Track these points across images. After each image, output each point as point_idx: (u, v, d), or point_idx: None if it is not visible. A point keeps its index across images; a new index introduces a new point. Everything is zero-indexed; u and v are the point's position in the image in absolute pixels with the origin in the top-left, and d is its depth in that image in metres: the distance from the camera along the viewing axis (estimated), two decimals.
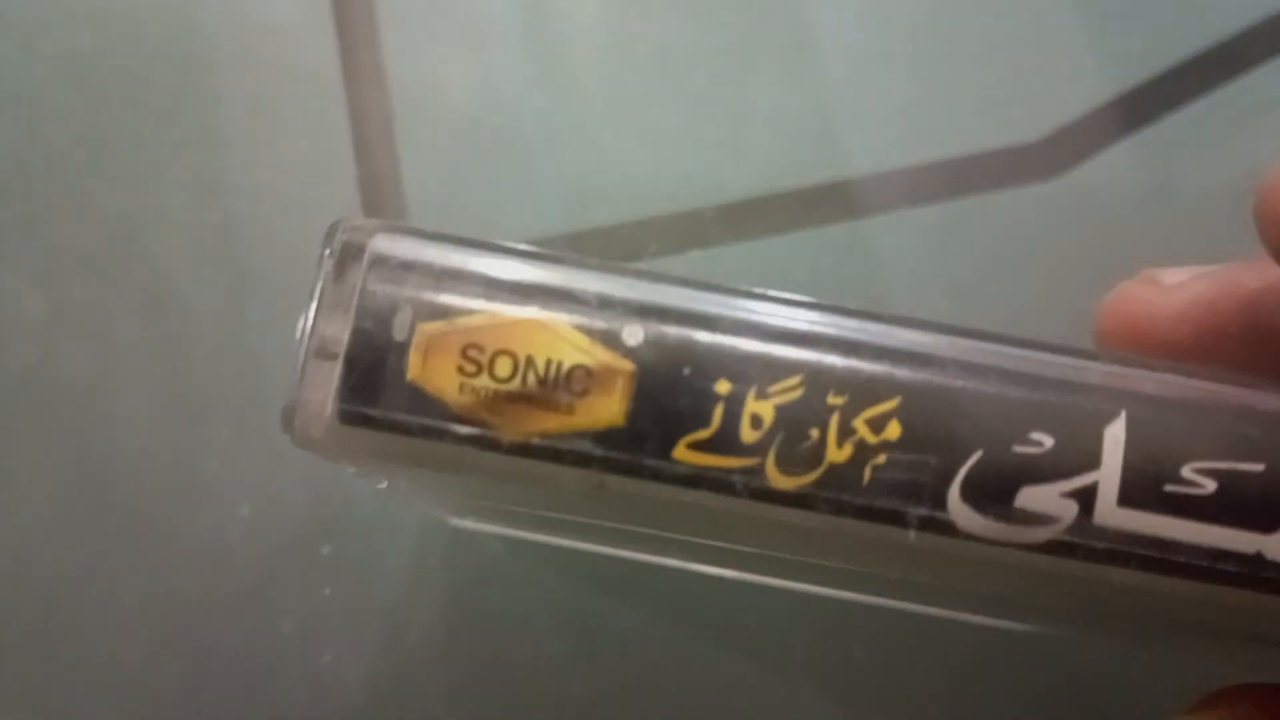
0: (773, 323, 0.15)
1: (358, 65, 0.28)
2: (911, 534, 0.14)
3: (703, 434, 0.14)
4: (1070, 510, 0.14)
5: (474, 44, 0.29)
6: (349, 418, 0.14)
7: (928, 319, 0.15)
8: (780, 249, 0.27)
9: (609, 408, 0.14)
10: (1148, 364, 0.15)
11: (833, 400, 0.14)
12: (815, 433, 0.14)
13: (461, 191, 0.28)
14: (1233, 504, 0.14)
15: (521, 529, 0.24)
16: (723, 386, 0.14)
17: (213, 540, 0.26)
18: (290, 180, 0.28)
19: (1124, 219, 0.28)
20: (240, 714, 0.25)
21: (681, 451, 0.14)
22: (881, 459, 0.14)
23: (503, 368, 0.14)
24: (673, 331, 0.14)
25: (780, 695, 0.26)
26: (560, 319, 0.14)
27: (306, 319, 0.14)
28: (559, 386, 0.14)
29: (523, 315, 0.14)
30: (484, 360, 0.14)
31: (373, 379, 0.14)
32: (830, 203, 0.28)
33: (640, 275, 0.15)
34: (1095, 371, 0.15)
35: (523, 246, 0.15)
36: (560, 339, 0.14)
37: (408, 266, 0.15)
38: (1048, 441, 0.14)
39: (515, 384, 0.14)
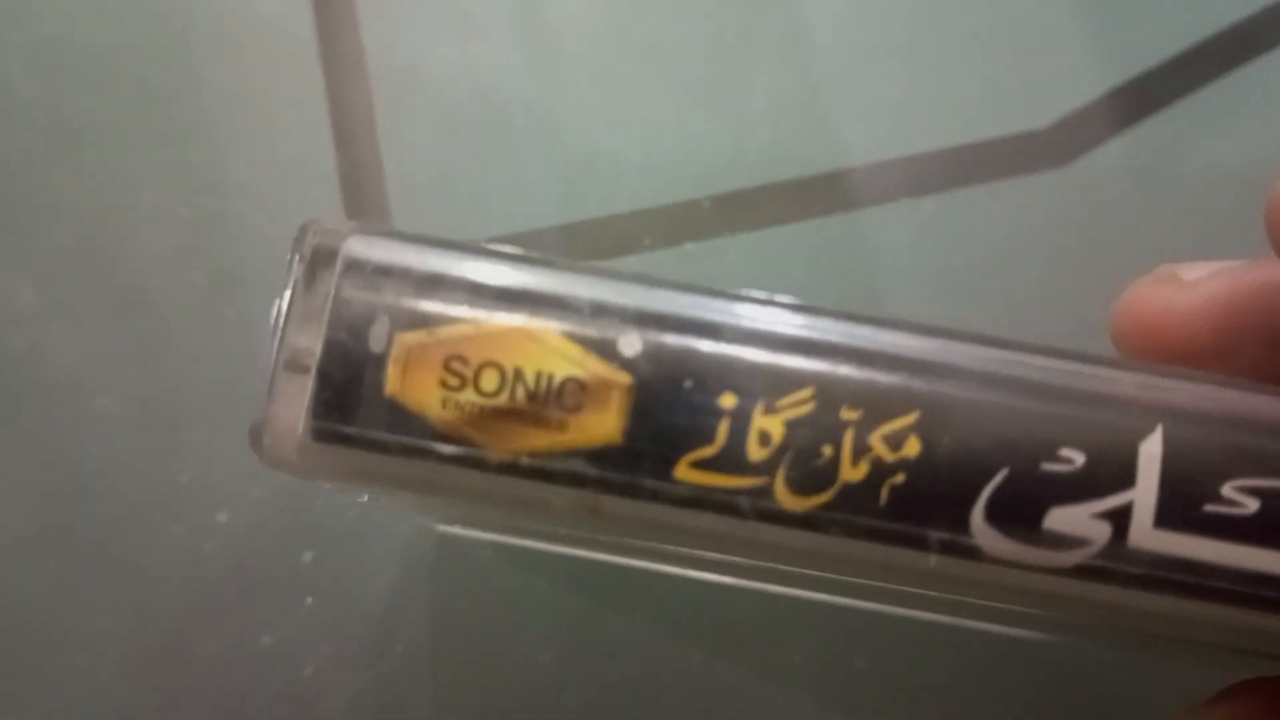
0: (781, 331, 0.14)
1: (338, 54, 0.28)
2: (932, 559, 0.13)
3: (706, 452, 0.13)
4: (1103, 532, 0.13)
5: (459, 31, 0.28)
6: (323, 435, 0.13)
7: (948, 326, 0.14)
8: (778, 241, 0.27)
9: (604, 424, 0.13)
10: (1184, 375, 0.14)
11: (847, 415, 0.13)
12: (828, 450, 0.13)
13: (447, 184, 0.27)
14: (1277, 524, 0.13)
15: (512, 536, 0.24)
16: (727, 400, 0.14)
17: (189, 549, 0.25)
18: (268, 174, 0.27)
19: (1135, 207, 0.27)
20: None
21: (683, 471, 0.13)
22: (900, 478, 0.13)
23: (489, 381, 0.13)
24: (673, 341, 0.14)
25: (780, 705, 0.25)
26: (551, 328, 0.14)
27: (276, 329, 0.13)
28: (550, 401, 0.13)
29: (510, 324, 0.14)
30: (468, 373, 0.13)
31: (348, 394, 0.13)
32: (829, 194, 0.27)
33: (637, 280, 0.14)
34: (1128, 383, 0.14)
35: (509, 250, 0.14)
36: (551, 350, 0.13)
37: (385, 272, 0.14)
38: (1078, 459, 0.13)
39: (503, 399, 0.13)
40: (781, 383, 0.14)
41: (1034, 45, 0.28)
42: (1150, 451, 0.13)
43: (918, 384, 0.14)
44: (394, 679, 0.25)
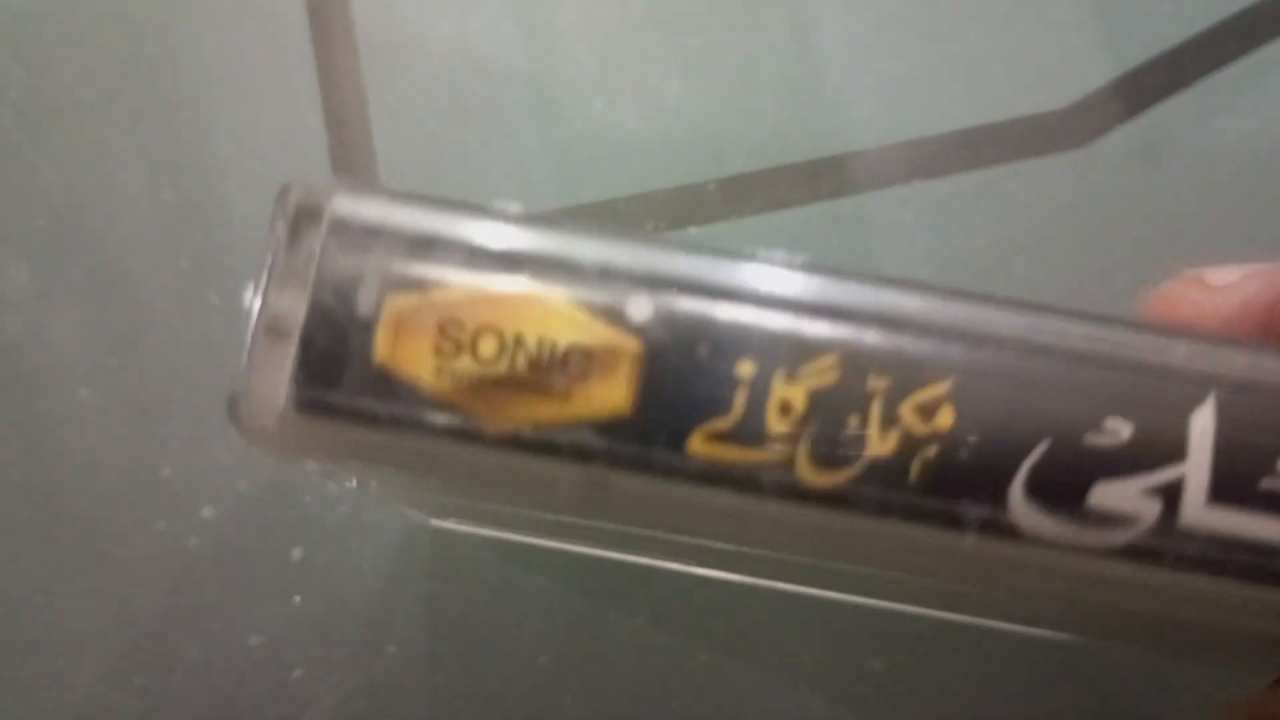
0: (803, 294, 0.13)
1: (328, 26, 0.27)
2: (968, 539, 0.12)
3: (722, 423, 0.13)
4: (1152, 509, 0.13)
5: (454, 1, 0.28)
6: (306, 406, 0.13)
7: (983, 291, 0.13)
8: (786, 224, 0.26)
9: (612, 394, 0.13)
10: (1237, 342, 0.13)
11: (874, 383, 0.13)
12: (854, 421, 0.13)
13: (440, 164, 0.27)
14: None
15: (509, 531, 0.23)
16: (745, 368, 0.13)
17: (172, 546, 0.25)
18: (253, 153, 0.27)
19: (1153, 188, 0.27)
20: None
21: (697, 444, 0.13)
22: (932, 451, 0.13)
23: (487, 348, 0.13)
24: (685, 305, 0.13)
25: (790, 709, 0.25)
26: (554, 292, 0.13)
27: (256, 292, 0.12)
28: (553, 369, 0.13)
29: (510, 288, 0.13)
30: (465, 339, 0.12)
31: (333, 361, 0.12)
32: (839, 175, 0.27)
33: (647, 241, 0.13)
34: (1178, 351, 0.13)
35: (509, 207, 0.13)
36: (554, 314, 0.13)
37: (374, 232, 0.13)
38: (1125, 431, 0.13)
39: (502, 367, 0.13)
40: (803, 349, 0.13)
41: (1052, 24, 0.28)
42: (1202, 423, 0.13)
43: (951, 350, 0.13)
44: (386, 681, 0.25)
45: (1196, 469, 0.12)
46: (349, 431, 0.13)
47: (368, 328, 0.12)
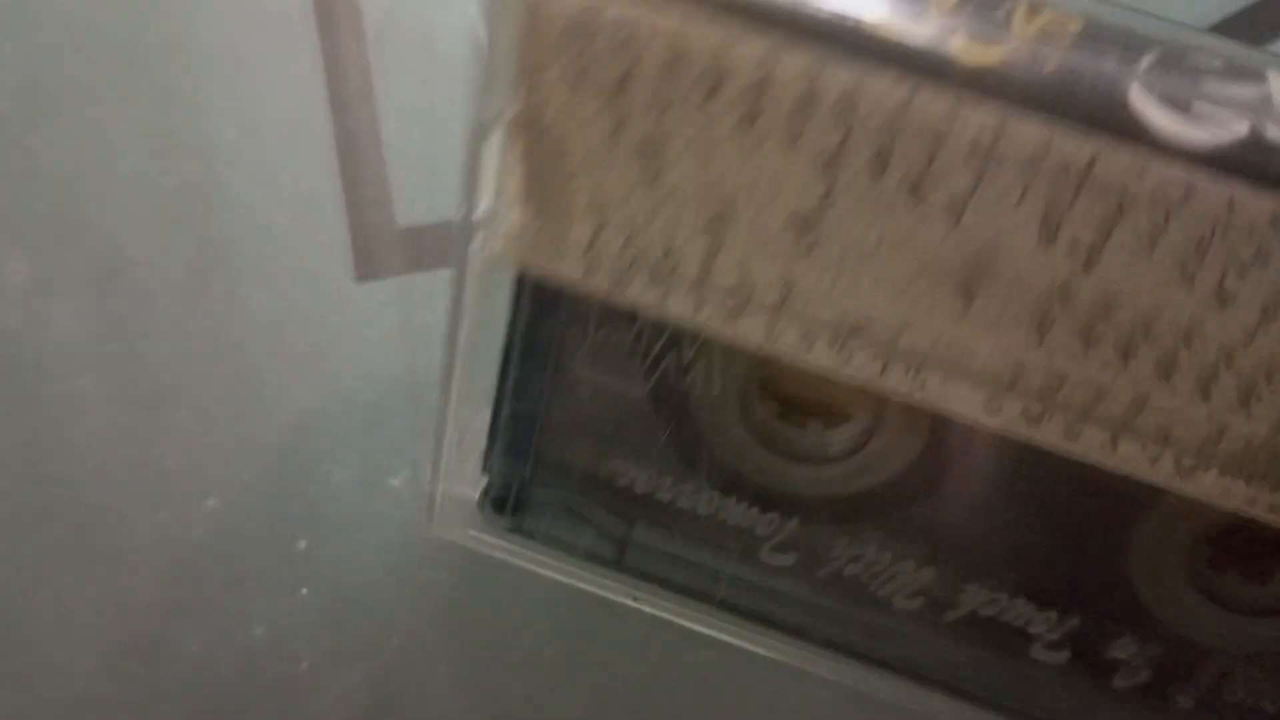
0: None
1: (334, 11, 0.27)
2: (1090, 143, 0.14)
3: None
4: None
5: None
6: None
7: None
8: None
9: None
10: None
11: None
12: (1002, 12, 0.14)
13: (450, 153, 0.26)
14: None
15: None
16: None
17: (175, 537, 0.25)
18: (257, 139, 0.26)
19: None
20: None
21: None
22: (1066, 43, 0.14)
23: None
24: None
25: (798, 703, 0.25)
26: None
27: None
28: None
29: None
30: None
31: None
32: None
33: None
34: None
35: None
36: None
37: None
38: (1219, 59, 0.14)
39: None
40: None
41: None
42: None
43: None
44: (391, 674, 0.25)
45: None
46: None
47: None
